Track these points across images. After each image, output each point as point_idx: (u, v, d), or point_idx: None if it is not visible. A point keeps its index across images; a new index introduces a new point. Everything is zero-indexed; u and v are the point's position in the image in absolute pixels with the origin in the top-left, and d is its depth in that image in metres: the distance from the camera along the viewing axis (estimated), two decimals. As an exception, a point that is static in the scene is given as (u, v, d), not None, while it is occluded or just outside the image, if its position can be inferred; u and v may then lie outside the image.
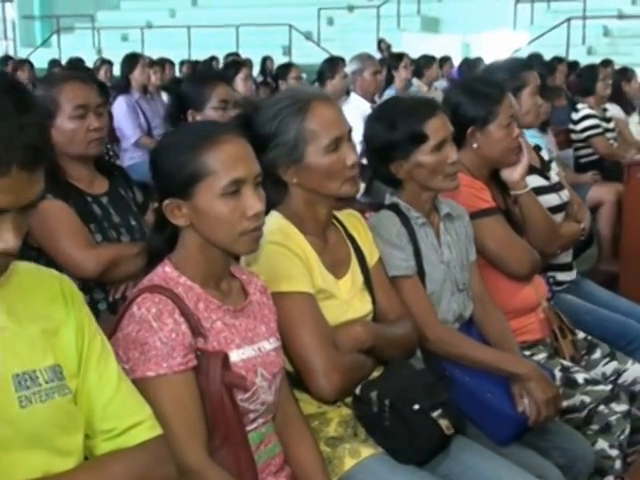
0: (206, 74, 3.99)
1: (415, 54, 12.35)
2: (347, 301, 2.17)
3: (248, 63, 7.80)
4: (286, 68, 6.37)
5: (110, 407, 1.52)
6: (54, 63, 12.76)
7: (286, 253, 2.06)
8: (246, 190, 1.77)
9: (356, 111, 5.68)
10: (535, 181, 3.15)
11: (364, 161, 5.59)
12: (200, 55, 14.57)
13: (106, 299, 2.72)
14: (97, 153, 2.81)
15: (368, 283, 2.26)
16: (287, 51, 17.14)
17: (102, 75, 9.25)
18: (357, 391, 2.10)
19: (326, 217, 2.20)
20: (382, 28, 16.72)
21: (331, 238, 2.22)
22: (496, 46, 16.21)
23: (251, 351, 1.84)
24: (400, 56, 7.71)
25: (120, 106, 6.69)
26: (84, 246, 2.65)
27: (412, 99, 2.52)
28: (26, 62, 10.02)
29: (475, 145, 2.76)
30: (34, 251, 2.69)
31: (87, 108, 2.74)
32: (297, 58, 16.57)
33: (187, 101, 3.32)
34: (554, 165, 3.55)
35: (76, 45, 18.27)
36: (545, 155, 3.54)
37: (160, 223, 1.89)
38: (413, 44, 15.68)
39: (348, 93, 7.26)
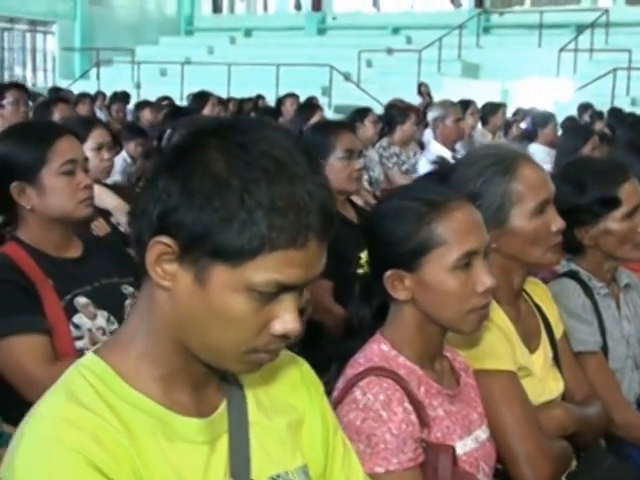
0: (331, 122, 3.81)
1: (455, 99, 12.27)
2: (542, 379, 1.98)
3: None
4: (363, 112, 6.20)
5: None
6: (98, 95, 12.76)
7: (489, 326, 1.86)
8: (477, 263, 1.59)
9: (437, 160, 5.51)
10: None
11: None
12: (239, 93, 14.51)
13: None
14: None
15: (556, 359, 2.07)
16: (327, 91, 17.05)
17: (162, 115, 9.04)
18: (560, 483, 1.89)
19: (520, 286, 2.01)
20: (422, 72, 16.64)
21: (522, 308, 2.04)
22: (537, 93, 16.09)
23: (471, 442, 1.65)
24: (467, 103, 7.55)
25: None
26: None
27: (603, 161, 2.34)
28: (87, 96, 9.89)
29: None
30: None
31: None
32: (336, 99, 16.52)
33: (314, 150, 3.14)
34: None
35: (115, 78, 18.28)
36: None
37: (366, 293, 1.71)
38: (453, 89, 15.60)
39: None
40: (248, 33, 22.41)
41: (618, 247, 2.23)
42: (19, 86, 6.11)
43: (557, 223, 1.93)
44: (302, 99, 11.65)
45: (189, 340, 1.14)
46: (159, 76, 19.73)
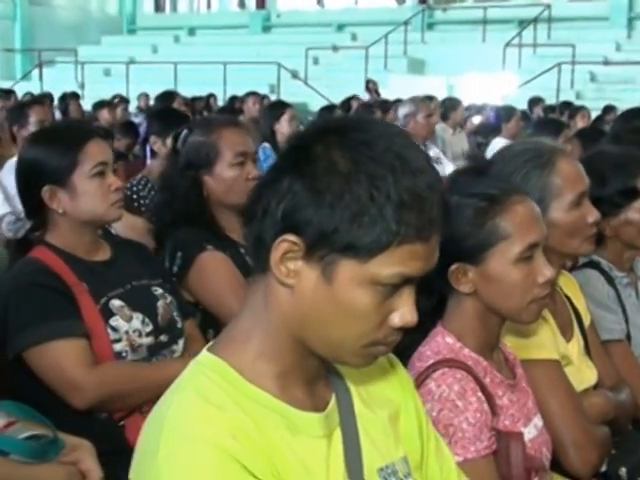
0: None
1: (401, 95, 12.37)
2: (578, 367, 2.04)
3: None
4: (330, 109, 6.21)
5: None
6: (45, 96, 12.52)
7: None
8: (538, 254, 1.64)
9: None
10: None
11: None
12: (186, 92, 14.39)
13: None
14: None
15: (587, 348, 2.13)
16: (275, 89, 17.04)
17: (118, 113, 8.92)
18: (603, 467, 1.95)
19: (556, 277, 2.06)
20: (369, 69, 16.75)
21: (557, 299, 2.09)
22: (482, 88, 16.31)
23: (533, 430, 1.70)
24: (430, 98, 7.63)
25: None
26: (250, 302, 2.48)
27: (620, 153, 2.40)
28: (46, 97, 9.68)
29: None
30: (190, 305, 2.51)
31: (247, 155, 2.58)
32: (284, 96, 16.49)
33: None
34: None
35: (58, 79, 18.00)
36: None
37: (426, 286, 1.74)
38: (400, 85, 15.73)
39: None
40: (192, 32, 22.26)
41: (639, 237, 2.30)
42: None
43: (593, 215, 1.99)
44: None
45: (309, 336, 1.16)
46: (103, 76, 19.50)
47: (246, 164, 2.57)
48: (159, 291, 2.27)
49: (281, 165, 1.15)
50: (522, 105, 11.96)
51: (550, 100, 13.27)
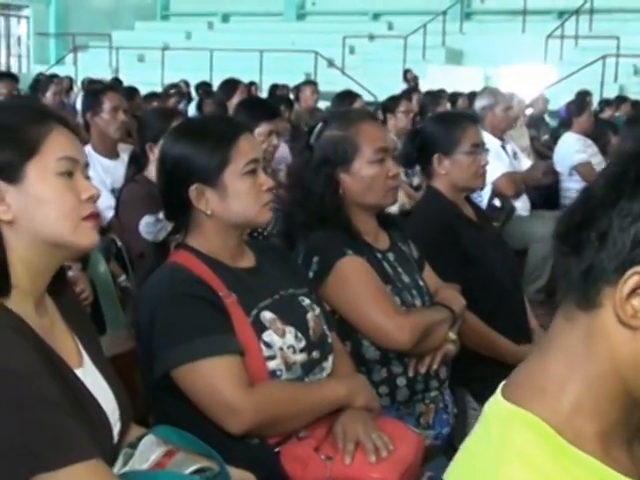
0: (455, 114, 3.61)
1: (439, 86, 12.15)
2: None
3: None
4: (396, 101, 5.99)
5: None
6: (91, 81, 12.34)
7: None
8: None
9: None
10: None
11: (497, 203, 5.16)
12: (221, 80, 14.17)
13: (405, 373, 2.34)
14: (392, 204, 2.45)
15: None
16: (311, 78, 16.80)
17: (171, 103, 8.63)
18: None
19: None
20: (407, 59, 16.50)
21: None
22: (521, 81, 16.00)
23: None
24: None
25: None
26: (394, 314, 2.28)
27: None
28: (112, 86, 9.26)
29: None
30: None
31: (387, 152, 2.38)
32: (321, 85, 16.25)
33: (433, 143, 2.94)
34: None
35: (92, 64, 17.86)
36: None
37: None
38: (437, 75, 15.49)
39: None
40: (225, 18, 22.05)
41: None
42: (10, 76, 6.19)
43: None
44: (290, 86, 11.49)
45: None
46: (137, 62, 19.32)
47: (386, 161, 2.37)
48: (306, 302, 2.07)
49: (628, 177, 0.93)
50: (565, 98, 11.68)
51: (595, 94, 12.98)
